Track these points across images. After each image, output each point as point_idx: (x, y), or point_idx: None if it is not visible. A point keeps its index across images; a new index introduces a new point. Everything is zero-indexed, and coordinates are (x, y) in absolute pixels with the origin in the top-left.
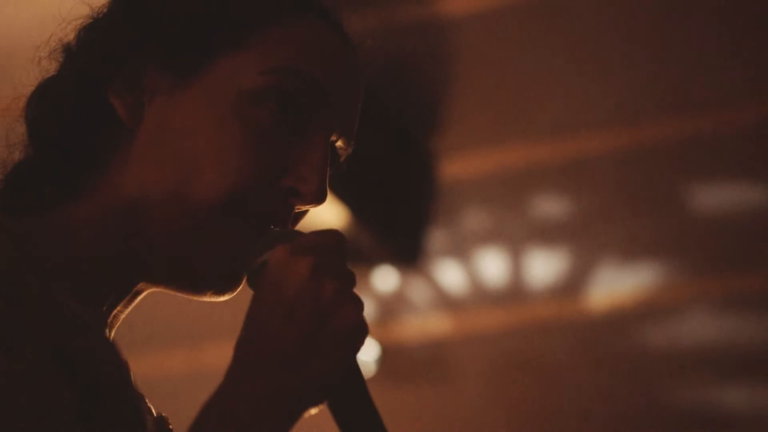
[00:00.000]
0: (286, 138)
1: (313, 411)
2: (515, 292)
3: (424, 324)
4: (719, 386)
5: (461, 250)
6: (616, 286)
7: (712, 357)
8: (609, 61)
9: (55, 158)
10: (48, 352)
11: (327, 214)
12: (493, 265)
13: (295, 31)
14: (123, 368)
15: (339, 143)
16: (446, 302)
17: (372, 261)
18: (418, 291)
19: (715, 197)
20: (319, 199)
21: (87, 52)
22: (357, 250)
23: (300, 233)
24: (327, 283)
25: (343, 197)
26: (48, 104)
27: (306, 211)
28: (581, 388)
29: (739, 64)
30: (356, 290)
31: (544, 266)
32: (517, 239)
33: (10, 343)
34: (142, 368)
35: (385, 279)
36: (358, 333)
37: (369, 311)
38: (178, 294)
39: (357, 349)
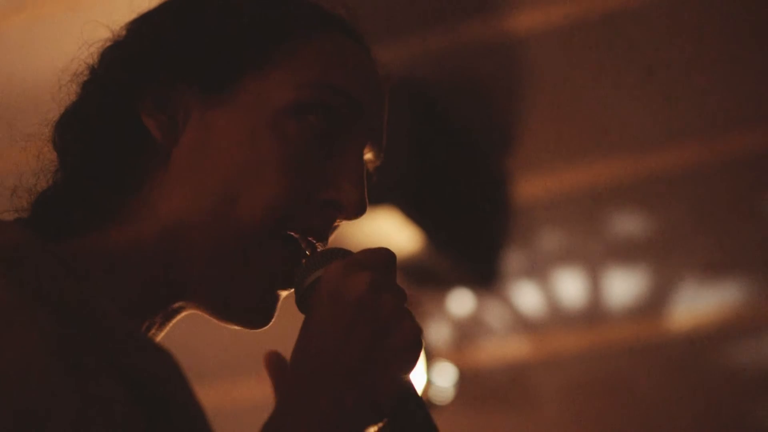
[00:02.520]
0: (323, 152)
1: (372, 429)
2: (594, 314)
3: (502, 347)
4: None
5: (538, 271)
6: (698, 304)
7: None
8: (685, 75)
9: (88, 182)
10: (113, 369)
11: (401, 238)
12: (570, 286)
13: (322, 47)
14: (185, 382)
15: (368, 156)
16: (524, 325)
17: (447, 284)
18: (494, 314)
19: None
20: (360, 211)
21: (115, 74)
22: (432, 274)
23: (347, 251)
24: (385, 298)
25: (417, 220)
26: (79, 128)
27: (337, 226)
28: (664, 411)
29: None
30: (433, 314)
31: (623, 286)
32: (595, 259)
33: (76, 360)
34: None
35: (461, 302)
36: (416, 347)
37: (445, 335)
38: (211, 318)
39: (415, 363)
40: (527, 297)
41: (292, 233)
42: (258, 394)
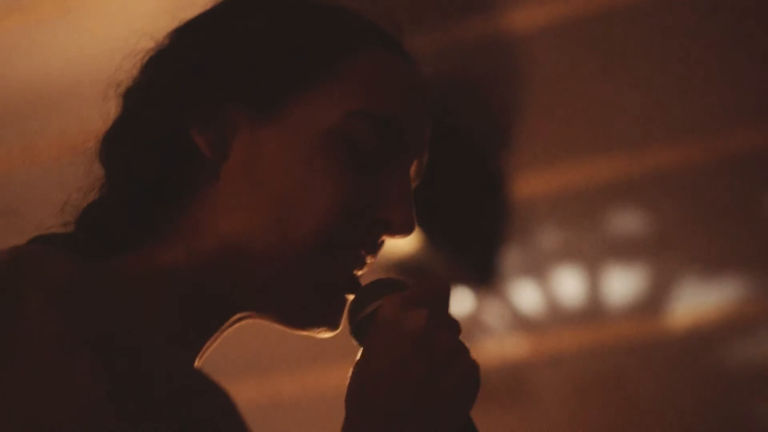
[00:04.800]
0: (372, 173)
1: None
2: (594, 312)
3: (501, 347)
4: None
5: (537, 270)
6: (698, 302)
7: None
8: (684, 72)
9: (136, 198)
10: (163, 413)
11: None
12: (570, 284)
13: (371, 67)
14: (240, 424)
15: (411, 174)
16: (523, 324)
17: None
18: (493, 313)
19: None
20: (408, 230)
21: (163, 88)
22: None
23: (404, 282)
24: (443, 335)
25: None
26: (129, 143)
27: (383, 242)
28: (665, 409)
29: None
30: None
31: (623, 284)
32: (594, 257)
33: (126, 404)
34: None
35: (459, 301)
36: (474, 383)
37: None
38: (272, 324)
39: (473, 400)
40: (526, 296)
41: (347, 248)
42: (299, 388)
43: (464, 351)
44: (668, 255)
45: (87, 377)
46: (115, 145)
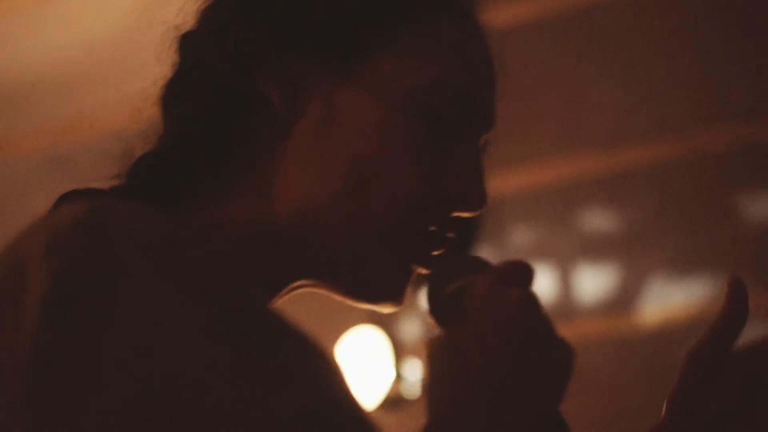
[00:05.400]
0: (448, 144)
1: None
2: (564, 309)
3: None
4: None
5: None
6: (667, 300)
7: None
8: (656, 72)
9: (201, 150)
10: (272, 370)
11: None
12: (541, 282)
13: (460, 37)
14: (341, 382)
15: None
16: None
17: (419, 280)
18: None
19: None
20: (480, 205)
21: (236, 38)
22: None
23: (486, 261)
24: (540, 316)
25: None
26: (194, 92)
27: (453, 219)
28: (634, 405)
29: None
30: (404, 310)
31: (593, 282)
32: (565, 255)
33: (248, 367)
34: None
35: None
36: (570, 369)
37: (416, 331)
38: (335, 296)
39: (569, 384)
40: None
41: (423, 223)
42: None
43: (557, 334)
44: (639, 253)
45: (201, 336)
46: (179, 93)
